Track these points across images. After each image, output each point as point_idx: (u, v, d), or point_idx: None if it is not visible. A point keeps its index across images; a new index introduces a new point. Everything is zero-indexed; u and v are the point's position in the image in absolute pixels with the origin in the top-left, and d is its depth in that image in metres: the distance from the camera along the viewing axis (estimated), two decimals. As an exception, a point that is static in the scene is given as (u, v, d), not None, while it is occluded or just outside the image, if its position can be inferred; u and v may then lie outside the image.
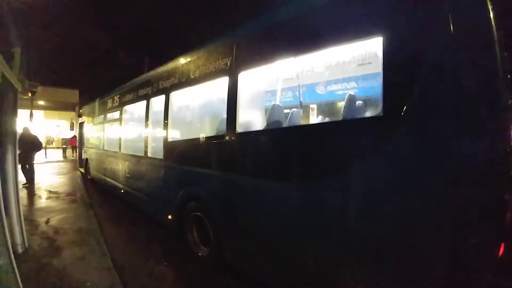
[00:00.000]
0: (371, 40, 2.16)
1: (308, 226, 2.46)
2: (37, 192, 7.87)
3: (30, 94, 12.09)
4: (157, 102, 5.01)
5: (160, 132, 4.80)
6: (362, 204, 2.11)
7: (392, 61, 1.99)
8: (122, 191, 6.53)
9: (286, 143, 2.76)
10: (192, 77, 3.95)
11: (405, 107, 1.87)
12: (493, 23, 1.67)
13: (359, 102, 3.27)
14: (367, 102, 3.59)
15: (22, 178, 6.67)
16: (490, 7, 1.68)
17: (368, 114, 3.19)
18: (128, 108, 6.70)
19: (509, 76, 1.72)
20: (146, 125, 5.34)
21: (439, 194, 1.78)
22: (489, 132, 1.70)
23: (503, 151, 1.70)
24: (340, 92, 4.77)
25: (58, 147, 24.85)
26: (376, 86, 3.41)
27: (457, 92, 1.73)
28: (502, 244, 1.71)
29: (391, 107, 1.97)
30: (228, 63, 3.30)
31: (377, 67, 2.34)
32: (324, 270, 2.41)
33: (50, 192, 7.86)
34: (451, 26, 1.73)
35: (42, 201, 6.86)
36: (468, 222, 1.72)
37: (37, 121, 21.02)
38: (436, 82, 1.80)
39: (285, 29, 2.80)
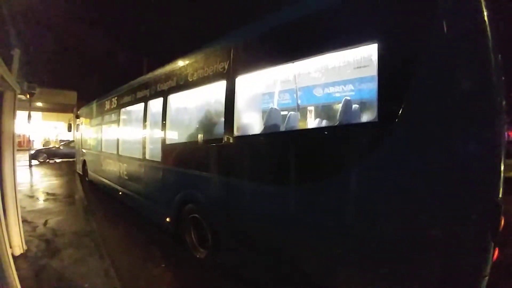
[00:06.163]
0: (367, 46, 2.20)
1: (305, 228, 2.49)
2: (35, 194, 7.86)
3: (28, 96, 12.08)
4: (155, 104, 5.02)
5: (158, 135, 4.81)
6: (358, 208, 2.14)
7: (386, 68, 2.03)
8: (120, 193, 6.53)
9: (283, 147, 2.79)
10: (190, 80, 3.97)
11: (399, 113, 1.90)
12: (487, 29, 1.70)
13: (355, 106, 3.30)
14: (365, 106, 3.61)
15: (20, 180, 6.65)
16: (484, 14, 1.71)
17: (364, 118, 3.21)
18: (126, 110, 6.69)
19: (502, 79, 1.75)
20: (144, 127, 5.34)
21: (433, 198, 1.80)
22: (484, 136, 1.73)
23: (496, 155, 1.73)
24: (338, 95, 4.79)
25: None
26: (373, 89, 3.43)
27: (450, 98, 1.76)
28: (497, 249, 1.74)
29: (386, 113, 2.01)
30: (226, 66, 3.32)
31: (374, 70, 2.37)
32: (322, 271, 2.44)
33: (48, 194, 7.84)
34: (445, 32, 1.76)
35: (40, 203, 6.86)
36: (463, 227, 1.74)
37: (35, 122, 21.01)
38: (430, 89, 1.83)
39: (283, 34, 2.83)
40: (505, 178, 1.69)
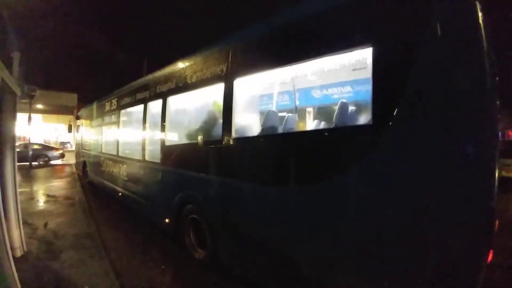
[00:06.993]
0: (362, 50, 2.22)
1: (302, 229, 2.52)
2: (35, 195, 7.88)
3: (28, 98, 12.06)
4: (155, 106, 5.06)
5: (157, 136, 4.84)
6: (354, 209, 2.16)
7: (381, 71, 2.06)
8: (120, 194, 6.56)
9: (280, 149, 2.82)
10: (189, 82, 4.00)
11: (393, 116, 1.93)
12: (481, 32, 1.72)
13: (351, 109, 3.33)
14: (360, 108, 3.62)
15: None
16: (478, 17, 1.73)
17: (360, 121, 3.23)
18: (126, 111, 6.73)
19: (496, 80, 1.77)
20: (144, 129, 5.38)
21: (427, 201, 1.82)
22: (478, 139, 1.74)
23: (491, 158, 1.74)
24: (336, 96, 4.80)
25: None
26: (368, 92, 3.47)
27: (445, 101, 1.78)
28: (491, 251, 1.76)
29: (380, 116, 2.04)
30: (224, 69, 3.35)
31: (369, 73, 2.39)
32: (319, 272, 2.46)
33: (48, 195, 7.86)
34: (440, 35, 1.78)
35: (40, 205, 6.88)
36: (457, 230, 1.76)
37: (36, 124, 21.02)
38: (424, 92, 1.85)
39: (280, 37, 2.87)
40: (505, 178, 1.71)
